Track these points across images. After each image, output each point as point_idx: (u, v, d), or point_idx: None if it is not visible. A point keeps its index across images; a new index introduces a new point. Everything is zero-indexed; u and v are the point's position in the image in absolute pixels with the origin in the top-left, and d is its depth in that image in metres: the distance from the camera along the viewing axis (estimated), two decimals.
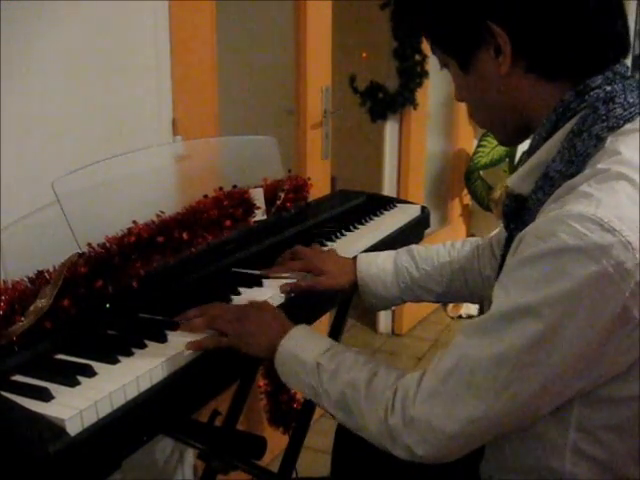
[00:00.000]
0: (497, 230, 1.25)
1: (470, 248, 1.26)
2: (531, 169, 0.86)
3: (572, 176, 0.78)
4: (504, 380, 0.75)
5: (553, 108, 0.84)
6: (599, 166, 0.76)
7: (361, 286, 1.26)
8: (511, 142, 0.98)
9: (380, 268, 1.25)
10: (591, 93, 0.81)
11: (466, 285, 1.25)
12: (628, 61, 0.87)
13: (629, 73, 0.85)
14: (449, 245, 1.29)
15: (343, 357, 0.94)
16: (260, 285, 1.20)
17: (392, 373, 0.89)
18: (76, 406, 0.79)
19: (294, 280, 1.22)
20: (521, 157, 3.32)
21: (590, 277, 0.70)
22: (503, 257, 0.93)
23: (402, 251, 1.28)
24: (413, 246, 1.30)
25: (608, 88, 0.81)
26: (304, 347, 0.97)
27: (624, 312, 0.71)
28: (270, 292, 1.17)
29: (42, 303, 0.96)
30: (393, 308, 3.21)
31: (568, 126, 0.82)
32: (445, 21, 0.88)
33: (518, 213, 0.90)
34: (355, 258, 1.28)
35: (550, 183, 0.81)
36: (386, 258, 1.27)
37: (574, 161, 0.79)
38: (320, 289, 1.23)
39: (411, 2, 0.93)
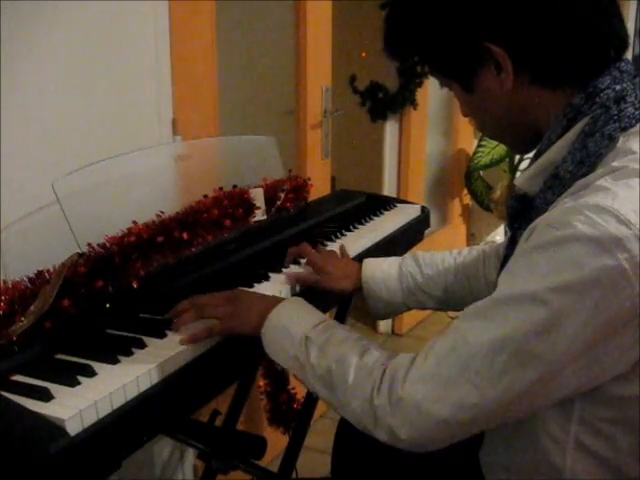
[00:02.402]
0: (502, 233, 1.26)
1: (476, 255, 1.26)
2: (540, 169, 0.85)
3: (583, 176, 0.78)
4: (502, 367, 0.74)
5: (563, 113, 0.83)
6: (614, 164, 0.76)
7: (365, 290, 1.26)
8: (523, 150, 0.97)
9: (385, 272, 1.25)
10: (601, 94, 0.81)
11: (470, 292, 1.24)
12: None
13: (634, 71, 0.84)
14: (455, 252, 1.29)
15: (333, 332, 0.92)
16: (260, 284, 1.20)
17: (383, 352, 0.87)
18: (76, 406, 0.79)
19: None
20: (521, 157, 3.33)
21: (603, 269, 0.69)
22: (506, 257, 0.93)
23: (407, 256, 1.28)
24: (419, 252, 1.30)
25: (618, 87, 0.81)
26: (294, 319, 0.96)
27: (632, 307, 0.70)
28: (270, 291, 1.17)
29: (42, 303, 0.96)
30: None
31: (579, 127, 0.82)
32: (441, 48, 0.88)
33: (523, 213, 0.89)
34: (361, 262, 1.28)
35: (560, 183, 0.81)
36: (391, 263, 1.27)
37: (586, 162, 0.79)
38: (322, 288, 1.23)
39: (403, 35, 0.92)
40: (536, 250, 0.74)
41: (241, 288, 1.09)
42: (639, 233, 0.69)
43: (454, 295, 1.25)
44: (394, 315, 1.34)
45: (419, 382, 0.79)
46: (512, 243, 0.91)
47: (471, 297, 1.23)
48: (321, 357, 0.90)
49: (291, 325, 0.94)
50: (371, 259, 1.29)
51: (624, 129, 0.78)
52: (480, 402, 0.76)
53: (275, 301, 1.01)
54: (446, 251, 1.30)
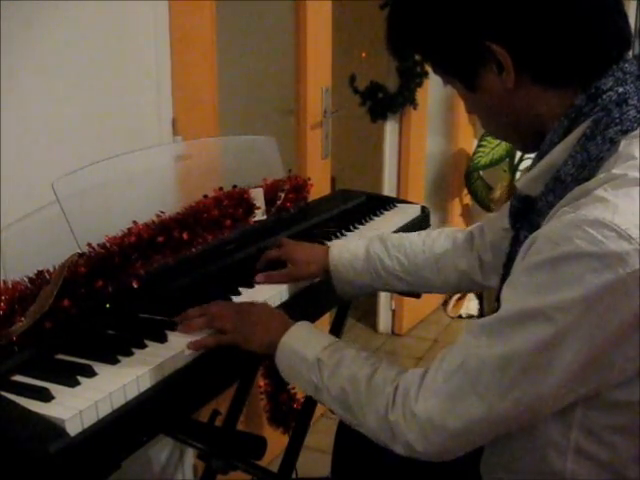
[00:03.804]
0: (478, 223, 1.25)
1: (445, 240, 1.25)
2: (541, 172, 0.85)
3: (584, 180, 0.78)
4: (510, 381, 0.75)
5: (565, 114, 0.83)
6: (614, 171, 0.75)
7: (333, 272, 1.25)
8: (528, 149, 0.96)
9: (352, 254, 1.24)
10: (603, 96, 0.80)
11: (438, 276, 1.23)
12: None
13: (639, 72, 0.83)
14: (424, 234, 1.27)
15: (344, 353, 0.94)
16: (260, 284, 1.20)
17: (393, 368, 0.89)
18: (76, 406, 0.79)
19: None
20: (521, 157, 3.32)
21: (605, 285, 0.69)
22: (509, 255, 0.93)
23: (375, 238, 1.27)
24: (387, 234, 1.29)
25: (620, 90, 0.80)
26: (305, 343, 0.97)
27: (636, 320, 0.71)
28: (270, 292, 1.17)
29: (42, 303, 0.96)
30: (392, 307, 3.21)
31: (580, 129, 0.81)
32: (442, 48, 0.88)
33: (525, 213, 0.89)
34: (328, 246, 1.28)
35: (562, 186, 0.80)
36: (358, 245, 1.26)
37: (587, 165, 0.78)
38: (292, 278, 1.22)
39: (404, 33, 0.91)
40: (538, 266, 0.74)
41: (252, 302, 1.10)
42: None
43: (422, 278, 1.24)
44: (361, 296, 1.33)
45: (431, 398, 0.81)
46: (515, 242, 0.92)
47: (439, 280, 1.23)
48: (334, 378, 0.92)
49: (302, 350, 0.96)
50: (338, 241, 1.29)
51: (626, 132, 0.77)
52: (490, 415, 0.78)
53: (284, 324, 1.01)
54: (414, 233, 1.28)
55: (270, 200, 1.47)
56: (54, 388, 0.83)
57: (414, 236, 1.27)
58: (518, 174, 3.35)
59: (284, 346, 0.98)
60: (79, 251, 1.06)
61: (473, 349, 0.79)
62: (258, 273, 1.23)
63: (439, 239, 1.25)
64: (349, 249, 1.25)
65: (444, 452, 0.83)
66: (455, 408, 0.79)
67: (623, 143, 0.77)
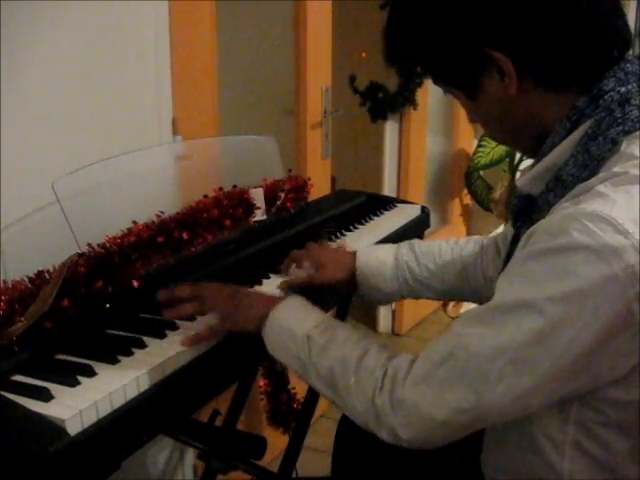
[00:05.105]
0: (502, 229, 1.25)
1: (473, 247, 1.24)
2: (541, 171, 0.85)
3: (586, 179, 0.78)
4: (498, 373, 0.74)
5: (567, 116, 0.83)
6: (615, 169, 0.75)
7: (359, 278, 1.24)
8: (532, 153, 0.96)
9: (380, 260, 1.24)
10: (605, 97, 0.80)
11: (468, 284, 1.23)
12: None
13: None
14: (452, 242, 1.26)
15: (335, 332, 0.92)
16: (260, 284, 1.20)
17: (383, 352, 0.88)
18: (76, 406, 0.79)
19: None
20: (521, 157, 3.32)
21: (598, 279, 0.69)
22: (508, 255, 0.93)
23: (404, 245, 1.26)
24: (415, 240, 1.28)
25: (623, 90, 0.80)
26: (296, 318, 0.96)
27: (628, 315, 0.70)
28: (270, 293, 1.17)
29: (42, 303, 0.96)
30: (393, 307, 3.21)
31: (582, 129, 0.81)
32: (442, 58, 0.88)
33: (526, 212, 0.89)
34: (355, 251, 1.27)
35: (562, 186, 0.80)
36: (387, 251, 1.25)
37: (588, 165, 0.79)
38: (316, 283, 1.21)
39: (403, 46, 0.91)
40: (533, 257, 0.74)
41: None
42: (636, 242, 0.69)
43: (451, 286, 1.23)
44: (387, 303, 1.33)
45: (418, 385, 0.80)
46: (515, 241, 0.92)
47: (468, 288, 1.23)
48: (323, 357, 0.90)
49: (292, 324, 0.95)
50: (365, 247, 1.28)
51: (628, 132, 0.77)
52: (477, 406, 0.77)
53: (275, 299, 1.01)
54: (443, 240, 1.27)
55: (270, 200, 1.47)
56: (54, 388, 0.83)
57: (443, 244, 1.26)
58: (518, 174, 3.34)
59: (273, 320, 0.97)
60: (79, 251, 1.06)
61: (463, 338, 0.78)
62: (282, 272, 1.24)
63: (467, 247, 1.24)
64: (377, 255, 1.24)
65: (428, 440, 0.82)
66: (443, 397, 0.78)
67: (625, 143, 0.77)
